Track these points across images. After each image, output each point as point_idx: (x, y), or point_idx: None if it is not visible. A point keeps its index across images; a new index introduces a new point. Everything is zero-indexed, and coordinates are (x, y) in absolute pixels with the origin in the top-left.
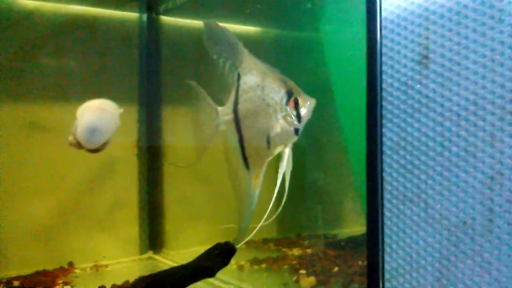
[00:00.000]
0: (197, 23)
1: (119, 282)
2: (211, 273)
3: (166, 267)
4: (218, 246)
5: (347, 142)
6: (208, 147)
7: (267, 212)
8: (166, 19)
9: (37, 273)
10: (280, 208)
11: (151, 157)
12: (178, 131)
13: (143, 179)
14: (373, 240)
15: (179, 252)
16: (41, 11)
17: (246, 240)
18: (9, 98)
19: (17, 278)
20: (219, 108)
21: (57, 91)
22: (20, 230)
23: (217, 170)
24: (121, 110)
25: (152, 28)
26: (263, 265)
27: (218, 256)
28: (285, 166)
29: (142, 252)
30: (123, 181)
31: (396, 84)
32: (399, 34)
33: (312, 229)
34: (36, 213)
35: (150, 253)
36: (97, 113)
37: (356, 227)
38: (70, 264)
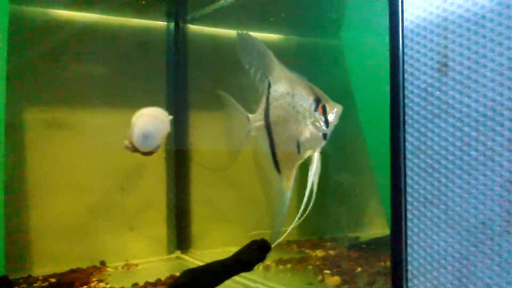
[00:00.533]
0: (222, 31)
1: (151, 280)
2: (249, 267)
3: (194, 266)
4: (255, 242)
5: (368, 146)
6: (239, 152)
7: (299, 213)
8: (192, 27)
9: (72, 271)
10: (309, 210)
11: (179, 160)
12: (204, 135)
13: (170, 181)
14: (397, 241)
15: (205, 252)
16: (74, 20)
17: (280, 240)
18: (49, 101)
19: (52, 275)
20: (250, 115)
21: (91, 96)
22: (55, 229)
23: (243, 174)
24: (171, 117)
25: (179, 36)
26: (288, 265)
27: (255, 252)
28: (315, 169)
29: (170, 252)
30: (152, 183)
31: (416, 91)
32: (419, 43)
33: (334, 232)
34: (69, 212)
35: (177, 253)
36: (150, 120)
37: (377, 229)
38: (102, 262)
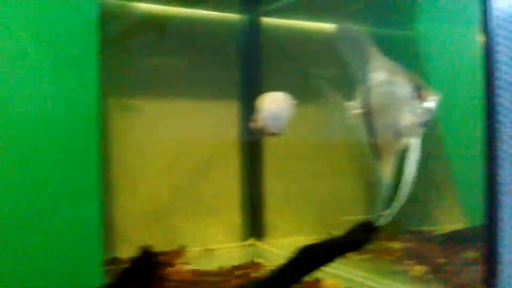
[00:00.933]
0: (296, 23)
1: (229, 265)
2: (358, 247)
3: (268, 254)
4: (362, 224)
5: (445, 138)
6: (335, 140)
7: (396, 200)
8: (266, 20)
9: (156, 253)
10: (405, 198)
11: (252, 150)
12: None
13: (245, 170)
14: (491, 231)
15: (279, 241)
16: (154, 14)
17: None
18: (132, 91)
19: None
20: (348, 103)
21: (170, 86)
22: (137, 213)
23: (318, 163)
24: (295, 101)
25: (253, 28)
26: (369, 255)
27: (363, 233)
28: (414, 157)
29: (244, 239)
30: (227, 172)
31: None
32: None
33: (409, 225)
34: (150, 198)
35: (252, 240)
36: (276, 103)
37: (452, 223)
38: (182, 246)
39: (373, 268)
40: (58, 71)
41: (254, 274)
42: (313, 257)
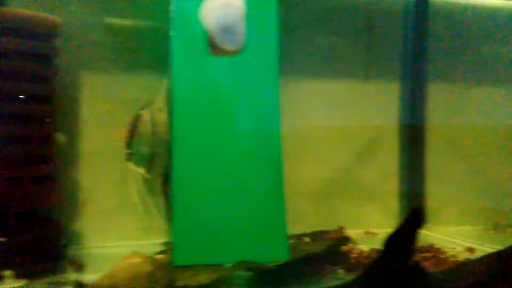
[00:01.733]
0: (466, 1)
1: None
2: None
3: (434, 240)
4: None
5: None
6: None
7: None
8: None
9: (321, 231)
10: None
11: (414, 135)
12: (443, 109)
13: (405, 156)
14: None
15: (440, 229)
16: None
17: None
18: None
19: (303, 234)
20: None
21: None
22: (302, 193)
23: (487, 148)
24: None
25: (420, 4)
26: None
27: None
28: None
29: None
30: (387, 156)
31: None
32: None
33: None
34: (314, 179)
35: None
36: (226, 9)
37: None
38: (341, 228)
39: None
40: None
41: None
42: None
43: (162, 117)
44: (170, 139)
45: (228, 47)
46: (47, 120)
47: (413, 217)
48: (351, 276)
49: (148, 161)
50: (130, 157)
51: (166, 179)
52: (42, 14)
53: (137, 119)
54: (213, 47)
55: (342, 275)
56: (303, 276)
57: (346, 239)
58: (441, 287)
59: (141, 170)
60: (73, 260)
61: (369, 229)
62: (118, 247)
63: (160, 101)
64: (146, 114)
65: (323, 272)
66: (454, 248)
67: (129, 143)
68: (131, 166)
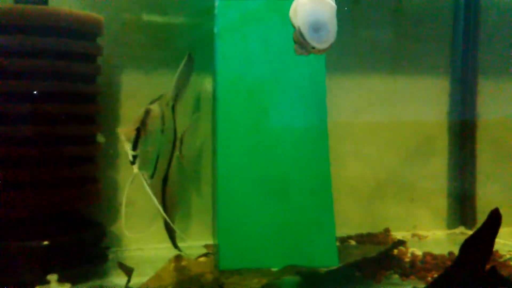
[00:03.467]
0: None
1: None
2: None
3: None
4: None
5: None
6: None
7: None
8: None
9: (367, 234)
10: None
11: (464, 132)
12: (497, 105)
13: (454, 154)
14: None
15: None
16: None
17: None
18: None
19: (349, 237)
20: None
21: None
22: (346, 194)
23: None
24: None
25: None
26: None
27: None
28: None
29: (452, 226)
30: (433, 156)
31: None
32: None
33: None
34: (358, 179)
35: (461, 228)
36: (318, 7)
37: None
38: (387, 230)
39: None
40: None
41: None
42: None
43: (169, 113)
44: (214, 140)
45: (318, 45)
46: (91, 120)
47: (491, 221)
48: (407, 282)
49: (155, 164)
50: (135, 159)
51: (165, 182)
52: (86, 13)
53: (146, 115)
54: (302, 45)
55: (397, 281)
56: (356, 282)
57: (399, 243)
58: None
59: (145, 175)
60: (122, 263)
61: (416, 231)
62: (156, 250)
63: (169, 96)
64: (156, 109)
65: (378, 277)
66: (510, 251)
67: (136, 143)
68: (136, 169)
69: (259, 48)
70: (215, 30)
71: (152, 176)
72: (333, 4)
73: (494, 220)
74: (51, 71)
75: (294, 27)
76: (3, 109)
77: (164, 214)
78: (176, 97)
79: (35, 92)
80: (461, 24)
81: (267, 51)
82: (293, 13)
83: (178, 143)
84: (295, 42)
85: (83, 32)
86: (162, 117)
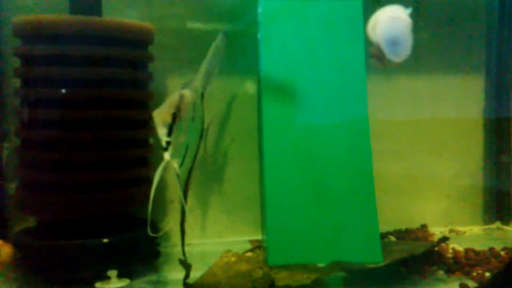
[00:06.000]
0: None
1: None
2: None
3: None
4: None
5: None
6: None
7: None
8: None
9: (405, 230)
10: None
11: (499, 129)
12: None
13: (490, 150)
14: None
15: None
16: None
17: None
18: None
19: (388, 233)
20: None
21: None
22: (380, 188)
23: None
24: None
25: None
26: None
27: None
28: None
29: (489, 221)
30: (468, 150)
31: None
32: None
33: None
34: (390, 175)
35: (498, 224)
36: (395, 23)
37: None
38: (424, 226)
39: None
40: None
41: None
42: None
43: (199, 100)
44: (260, 138)
45: (396, 59)
46: (145, 124)
47: None
48: (452, 278)
49: (184, 153)
50: (168, 145)
51: (190, 174)
52: (138, 22)
53: (181, 100)
54: (380, 59)
55: (443, 276)
56: (402, 277)
57: (444, 239)
58: None
59: (176, 164)
60: (182, 259)
61: (454, 227)
62: (204, 245)
63: (198, 82)
64: (188, 95)
65: (423, 273)
66: None
67: (171, 129)
68: (167, 156)
69: (301, 51)
70: (259, 36)
71: (180, 166)
72: (409, 20)
73: None
74: (106, 78)
75: (371, 43)
76: (69, 115)
77: (186, 206)
78: (206, 84)
79: (95, 99)
80: (496, 21)
81: (308, 55)
82: (371, 30)
83: (204, 134)
84: (371, 56)
85: (135, 40)
86: (193, 104)
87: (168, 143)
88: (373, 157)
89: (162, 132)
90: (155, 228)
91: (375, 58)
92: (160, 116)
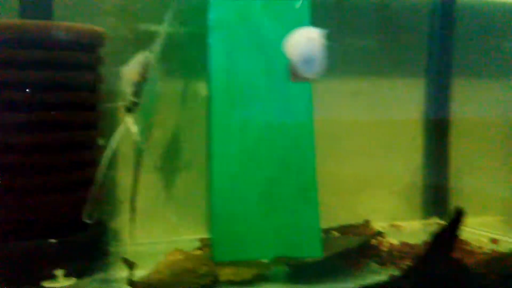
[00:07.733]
0: None
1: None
2: None
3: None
4: None
5: None
6: None
7: None
8: None
9: (349, 225)
10: None
11: (438, 129)
12: (469, 105)
13: (428, 150)
14: None
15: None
16: None
17: None
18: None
19: (331, 228)
20: None
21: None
22: (330, 188)
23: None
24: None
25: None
26: None
27: None
28: None
29: (426, 216)
30: (408, 151)
31: None
32: None
33: None
34: (338, 173)
35: (435, 218)
36: (309, 44)
37: None
38: (367, 222)
39: None
40: None
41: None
42: None
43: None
44: (209, 139)
45: (309, 75)
46: (92, 126)
47: (457, 218)
48: (384, 270)
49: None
50: (135, 106)
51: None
52: (88, 26)
53: (146, 60)
54: (295, 75)
55: (376, 268)
56: (339, 270)
57: (378, 233)
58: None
59: (135, 130)
60: (125, 258)
61: (395, 222)
62: (152, 244)
63: (157, 47)
64: (151, 58)
65: (357, 266)
66: (478, 239)
67: (140, 88)
68: (129, 119)
69: (250, 55)
70: (209, 41)
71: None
72: (322, 40)
73: (458, 217)
74: (55, 81)
75: (288, 59)
76: (15, 118)
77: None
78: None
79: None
80: (436, 31)
81: (257, 58)
82: (289, 48)
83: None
84: (289, 71)
85: (86, 44)
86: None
87: (134, 103)
88: (322, 157)
89: (128, 91)
90: (104, 228)
91: (292, 73)
92: (128, 73)
